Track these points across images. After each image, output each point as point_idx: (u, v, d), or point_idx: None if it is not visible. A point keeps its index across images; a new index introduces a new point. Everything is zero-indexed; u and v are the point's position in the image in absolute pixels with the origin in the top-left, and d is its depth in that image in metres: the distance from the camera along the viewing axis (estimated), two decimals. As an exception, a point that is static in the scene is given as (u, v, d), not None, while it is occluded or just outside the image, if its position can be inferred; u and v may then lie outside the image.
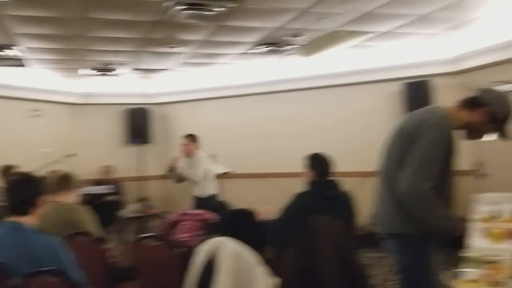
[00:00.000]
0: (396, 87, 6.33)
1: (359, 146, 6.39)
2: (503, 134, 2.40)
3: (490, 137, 2.49)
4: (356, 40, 5.36)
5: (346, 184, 3.43)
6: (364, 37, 5.29)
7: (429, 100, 5.80)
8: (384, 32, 5.13)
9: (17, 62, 5.75)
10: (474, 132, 2.45)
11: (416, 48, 5.89)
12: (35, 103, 7.19)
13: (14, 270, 2.27)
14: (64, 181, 3.35)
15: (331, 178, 3.28)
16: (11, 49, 5.15)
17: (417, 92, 6.04)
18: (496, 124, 2.37)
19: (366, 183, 5.73)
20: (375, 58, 6.22)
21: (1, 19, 4.14)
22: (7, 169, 5.21)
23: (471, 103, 2.40)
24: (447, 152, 2.31)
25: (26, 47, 5.16)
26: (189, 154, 5.47)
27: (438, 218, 2.28)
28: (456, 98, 2.48)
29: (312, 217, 2.97)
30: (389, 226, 2.47)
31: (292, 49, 5.62)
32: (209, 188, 5.51)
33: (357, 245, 3.36)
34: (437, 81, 6.07)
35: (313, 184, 3.23)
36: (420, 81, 6.11)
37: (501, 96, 2.43)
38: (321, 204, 3.08)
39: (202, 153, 5.55)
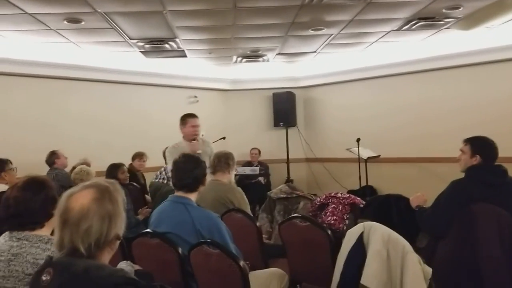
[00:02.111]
0: None
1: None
2: None
3: None
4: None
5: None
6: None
7: None
8: None
9: (180, 53, 6.33)
10: None
11: None
12: (193, 90, 7.87)
13: (179, 240, 2.53)
14: (222, 162, 3.59)
15: (497, 164, 2.93)
16: (173, 41, 5.67)
17: None
18: None
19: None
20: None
21: (164, 14, 4.57)
22: (170, 151, 5.78)
23: None
24: None
25: (183, 39, 5.63)
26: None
27: None
28: None
29: (473, 206, 2.72)
30: None
31: (449, 23, 5.15)
32: None
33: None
34: None
35: (475, 170, 2.91)
36: None
37: None
38: (484, 192, 2.78)
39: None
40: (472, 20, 4.95)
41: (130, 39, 5.46)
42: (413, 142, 6.86)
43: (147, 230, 2.68)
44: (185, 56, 6.51)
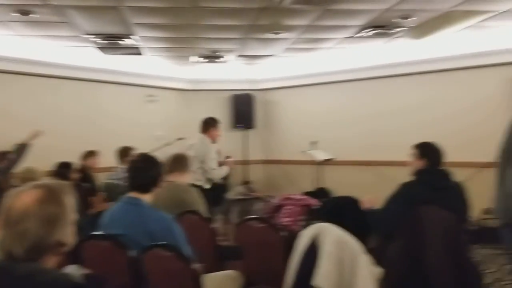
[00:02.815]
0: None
1: (473, 135, 5.94)
2: None
3: None
4: (472, 21, 4.93)
5: (459, 175, 3.20)
6: (481, 17, 4.84)
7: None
8: (504, 11, 4.64)
9: (135, 50, 6.20)
10: None
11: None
12: (150, 89, 7.73)
13: (131, 243, 2.47)
14: (178, 163, 3.55)
15: (442, 168, 3.09)
16: (130, 38, 5.54)
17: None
18: None
19: (482, 174, 5.32)
20: (493, 39, 5.65)
21: (120, 10, 4.47)
22: (125, 150, 5.65)
23: None
24: None
25: (141, 36, 5.52)
26: None
27: None
28: None
29: (420, 208, 2.83)
30: (503, 217, 2.37)
31: (401, 32, 5.33)
32: None
33: (469, 239, 3.13)
34: None
35: (422, 173, 3.06)
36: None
37: None
38: (430, 194, 2.92)
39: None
40: (423, 29, 5.15)
41: (85, 34, 5.30)
42: (367, 146, 7.06)
43: (98, 232, 2.61)
44: (143, 53, 6.39)
